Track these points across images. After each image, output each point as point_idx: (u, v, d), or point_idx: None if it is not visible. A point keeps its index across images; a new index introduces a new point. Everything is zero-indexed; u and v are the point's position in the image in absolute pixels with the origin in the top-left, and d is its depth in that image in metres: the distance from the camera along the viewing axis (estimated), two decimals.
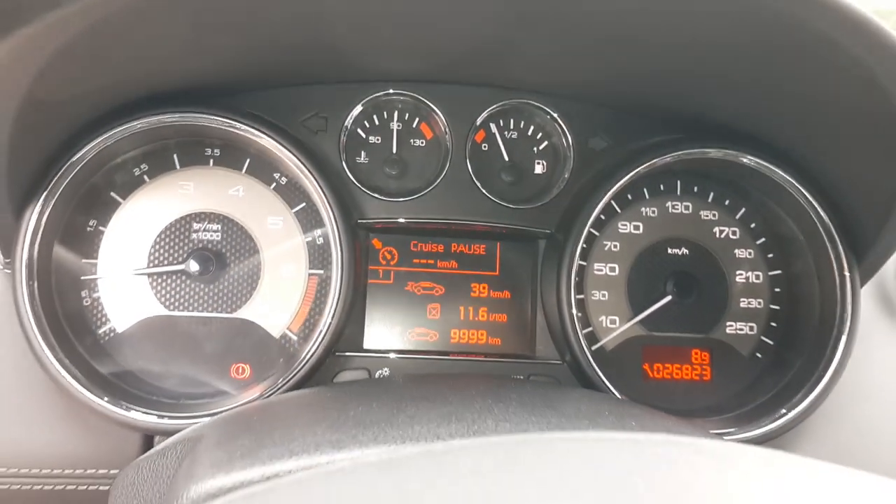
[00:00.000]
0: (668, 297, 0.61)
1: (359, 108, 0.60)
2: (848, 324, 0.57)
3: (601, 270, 0.62)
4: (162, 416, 0.53)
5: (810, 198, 0.57)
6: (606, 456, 0.28)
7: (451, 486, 0.25)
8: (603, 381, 0.57)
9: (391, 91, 0.60)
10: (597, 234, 0.62)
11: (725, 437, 0.53)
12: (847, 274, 0.57)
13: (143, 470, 0.40)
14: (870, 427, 0.60)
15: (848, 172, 0.54)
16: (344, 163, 0.60)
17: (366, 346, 0.60)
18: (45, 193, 0.53)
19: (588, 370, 0.57)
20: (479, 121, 0.60)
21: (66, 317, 0.55)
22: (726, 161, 0.58)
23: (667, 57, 0.48)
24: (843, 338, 0.57)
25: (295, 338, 0.58)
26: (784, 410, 0.56)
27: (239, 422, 0.43)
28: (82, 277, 0.57)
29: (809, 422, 0.58)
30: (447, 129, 0.60)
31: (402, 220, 0.60)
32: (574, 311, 0.57)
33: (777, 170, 0.57)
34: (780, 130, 0.55)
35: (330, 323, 0.56)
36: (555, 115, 0.61)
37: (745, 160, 0.58)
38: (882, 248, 0.57)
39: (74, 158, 0.53)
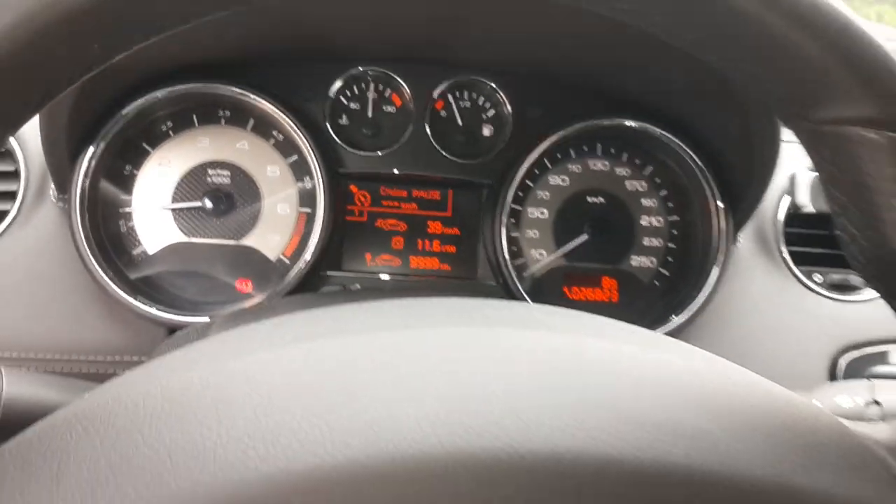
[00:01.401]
0: (585, 236, 0.76)
1: (340, 83, 0.74)
2: (721, 258, 0.72)
3: (533, 214, 0.76)
4: (180, 314, 0.68)
5: (694, 156, 0.72)
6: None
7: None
8: (525, 298, 0.72)
9: (367, 68, 0.74)
10: (532, 185, 0.77)
11: None
12: (720, 218, 0.72)
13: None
14: (743, 339, 0.76)
15: (714, 129, 0.69)
16: (328, 124, 0.75)
17: (343, 267, 0.75)
18: (95, 143, 0.68)
19: (514, 289, 0.72)
20: (436, 93, 0.75)
21: (109, 239, 0.71)
22: (632, 128, 0.73)
23: (572, 51, 0.63)
24: (716, 269, 0.72)
25: (287, 261, 0.74)
26: (667, 322, 0.72)
27: (241, 316, 0.59)
28: (120, 210, 0.73)
29: (693, 333, 0.74)
30: (411, 99, 0.75)
31: (374, 171, 0.75)
32: (505, 243, 0.72)
33: (668, 134, 0.72)
34: (667, 100, 0.70)
35: (315, 249, 0.71)
36: (498, 88, 0.75)
37: (639, 126, 0.72)
38: (752, 196, 0.72)
39: (119, 115, 0.68)
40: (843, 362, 0.74)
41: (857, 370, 0.73)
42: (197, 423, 0.29)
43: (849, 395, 0.54)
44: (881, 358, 0.75)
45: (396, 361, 0.32)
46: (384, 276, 0.75)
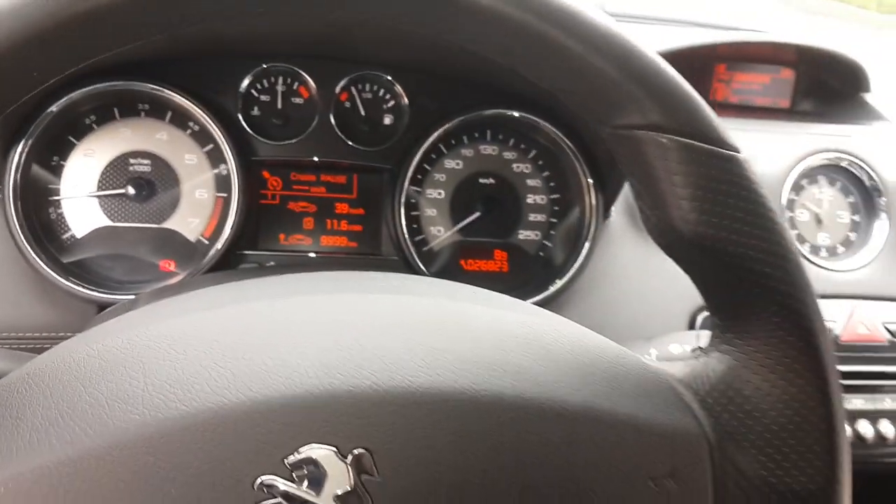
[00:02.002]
0: (478, 213, 0.85)
1: (250, 78, 0.81)
2: (593, 231, 0.83)
3: (431, 195, 0.85)
4: (109, 292, 0.75)
5: (567, 140, 0.82)
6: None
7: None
8: (424, 270, 0.81)
9: (274, 65, 0.82)
10: (429, 168, 0.85)
11: None
12: (591, 195, 0.83)
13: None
14: (615, 300, 0.86)
15: (576, 118, 0.79)
16: (240, 115, 0.82)
17: (258, 247, 0.83)
18: (24, 138, 0.74)
19: (413, 263, 0.81)
20: (338, 87, 0.83)
21: (41, 226, 0.76)
22: (515, 117, 0.83)
23: (449, 55, 0.72)
24: (588, 241, 0.83)
25: (206, 241, 0.81)
26: (549, 287, 0.82)
27: (163, 292, 0.66)
28: (50, 198, 0.78)
29: (571, 297, 0.84)
30: (316, 92, 0.83)
31: (284, 158, 0.83)
32: (404, 222, 0.81)
33: (544, 122, 0.82)
34: (539, 93, 0.79)
35: (231, 230, 0.79)
36: (395, 82, 0.84)
37: (520, 115, 0.82)
38: (616, 175, 0.82)
39: (46, 112, 0.74)
40: (699, 319, 0.85)
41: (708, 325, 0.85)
42: (126, 375, 0.37)
43: (679, 343, 0.65)
44: None
45: (289, 321, 0.41)
46: (295, 255, 0.83)
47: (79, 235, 0.79)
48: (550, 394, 0.40)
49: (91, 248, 0.79)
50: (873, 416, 0.83)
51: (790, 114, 1.10)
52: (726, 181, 0.43)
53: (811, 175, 0.93)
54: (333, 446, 0.36)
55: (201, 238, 0.81)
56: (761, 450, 0.44)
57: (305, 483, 0.35)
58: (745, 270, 0.43)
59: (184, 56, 0.79)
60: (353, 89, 0.84)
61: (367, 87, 0.85)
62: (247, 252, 0.81)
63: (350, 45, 0.78)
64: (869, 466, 0.84)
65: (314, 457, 0.36)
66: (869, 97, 1.07)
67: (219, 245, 0.78)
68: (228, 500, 0.35)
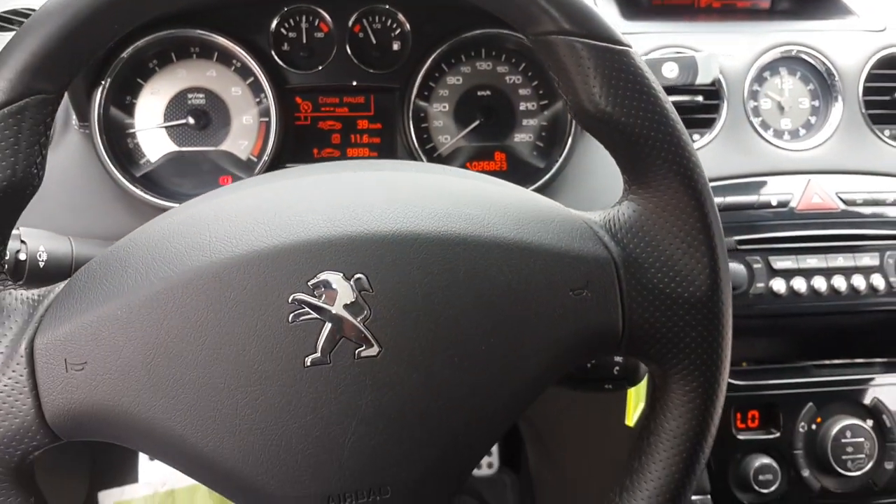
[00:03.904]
0: (478, 121, 1.00)
1: (278, 18, 0.97)
2: (573, 131, 0.97)
3: (437, 108, 1.00)
4: (179, 203, 0.94)
5: None
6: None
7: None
8: None
9: (295, 6, 0.98)
10: (434, 85, 1.01)
11: None
12: None
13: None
14: (592, 188, 1.01)
15: None
16: (273, 52, 0.98)
17: (296, 160, 1.00)
18: (103, 80, 0.92)
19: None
20: (351, 21, 0.98)
21: (122, 153, 0.95)
22: (504, 34, 0.97)
23: None
24: (570, 139, 0.97)
25: (255, 159, 0.98)
26: (539, 179, 0.97)
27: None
28: (127, 131, 0.97)
29: (558, 186, 0.99)
30: (332, 26, 0.98)
31: (312, 84, 0.99)
32: (413, 133, 0.97)
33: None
34: None
35: (272, 147, 0.96)
36: (398, 12, 0.99)
37: (508, 33, 0.96)
38: None
39: (119, 59, 0.92)
40: None
41: None
42: (197, 233, 0.55)
43: None
44: None
45: (304, 191, 0.58)
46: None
47: (153, 160, 0.97)
48: (493, 233, 0.57)
49: (163, 169, 0.97)
50: (827, 273, 0.97)
51: (770, 13, 1.21)
52: (621, 70, 0.58)
53: (773, 67, 1.06)
54: (341, 272, 0.53)
55: (251, 156, 0.98)
56: (659, 269, 0.59)
57: (323, 297, 0.53)
58: (640, 137, 0.58)
59: (224, 5, 0.95)
60: (364, 22, 0.99)
61: (377, 18, 1.00)
62: (287, 165, 0.99)
63: None
64: (825, 317, 0.98)
65: (328, 279, 0.53)
66: None
67: (264, 160, 0.96)
68: (274, 312, 0.53)
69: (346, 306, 0.53)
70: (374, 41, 1.00)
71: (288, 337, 0.52)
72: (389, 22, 1.00)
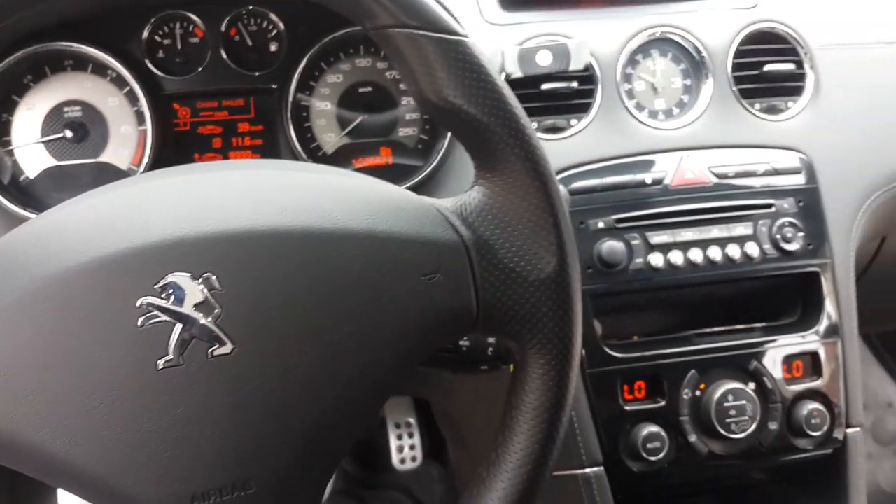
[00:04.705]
0: (361, 118, 1.02)
1: (150, 27, 0.97)
2: None
3: (319, 107, 1.01)
4: None
5: None
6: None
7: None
8: None
9: (166, 13, 0.97)
10: (314, 84, 1.01)
11: None
12: None
13: None
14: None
15: None
16: (147, 60, 0.97)
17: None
18: None
19: None
20: (223, 26, 0.98)
21: (1, 171, 0.94)
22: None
23: None
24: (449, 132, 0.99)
25: (136, 168, 0.98)
26: (421, 172, 0.99)
27: None
28: (6, 148, 0.95)
29: (441, 176, 1.01)
30: (206, 31, 0.98)
31: (189, 90, 0.99)
32: (293, 133, 0.98)
33: None
34: None
35: (150, 155, 0.95)
36: (271, 13, 0.99)
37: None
38: None
39: None
40: None
41: (565, 186, 1.02)
42: (43, 243, 0.55)
43: None
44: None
45: (153, 193, 0.58)
46: None
47: (32, 176, 0.96)
48: (343, 224, 0.58)
49: (43, 184, 0.96)
50: (703, 245, 1.01)
51: None
52: (458, 59, 0.60)
53: (644, 50, 1.09)
54: (188, 272, 0.54)
55: (131, 166, 0.98)
56: (508, 250, 0.62)
57: (172, 299, 0.54)
58: (482, 125, 0.61)
59: (92, 16, 0.94)
60: (239, 24, 1.00)
61: (252, 21, 1.00)
62: None
63: None
64: (705, 287, 1.02)
65: (175, 280, 0.54)
66: None
67: (141, 169, 0.95)
68: (122, 317, 0.53)
69: (195, 306, 0.54)
70: (250, 43, 1.00)
71: (138, 341, 0.53)
72: (264, 23, 1.00)
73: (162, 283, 0.54)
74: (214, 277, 0.55)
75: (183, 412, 0.54)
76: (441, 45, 0.59)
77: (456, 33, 0.60)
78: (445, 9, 0.61)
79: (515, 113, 0.61)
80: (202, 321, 0.54)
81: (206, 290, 0.54)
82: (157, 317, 0.53)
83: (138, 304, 0.53)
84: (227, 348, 0.54)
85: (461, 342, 0.79)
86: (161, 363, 0.53)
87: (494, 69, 0.61)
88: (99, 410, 0.53)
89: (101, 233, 0.55)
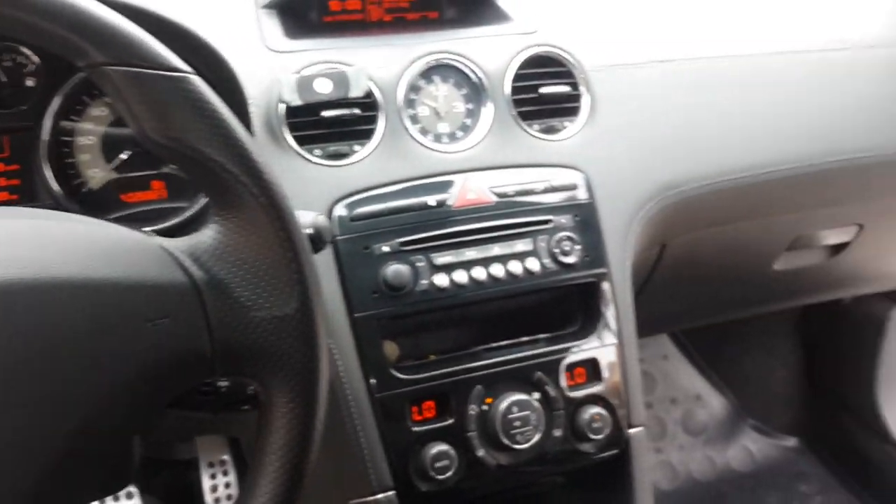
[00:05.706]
0: (128, 153, 0.98)
1: None
2: None
3: (82, 142, 0.96)
4: None
5: None
6: None
7: None
8: (78, 210, 0.94)
9: None
10: (77, 119, 0.96)
11: None
12: None
13: None
14: None
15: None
16: None
17: None
18: None
19: (65, 204, 0.93)
20: None
21: None
22: None
23: None
24: None
25: None
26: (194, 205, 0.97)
27: None
28: None
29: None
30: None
31: None
32: (49, 172, 0.92)
33: None
34: None
35: None
36: (22, 48, 0.94)
37: None
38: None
39: None
40: (337, 207, 1.01)
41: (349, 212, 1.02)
42: None
43: None
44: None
45: None
46: None
47: None
48: (53, 273, 0.55)
49: None
50: (485, 262, 1.03)
51: (440, 23, 1.27)
52: (181, 97, 0.58)
53: (427, 76, 1.11)
54: None
55: None
56: (246, 287, 0.60)
57: None
58: (211, 161, 0.59)
59: None
60: None
61: (7, 57, 0.94)
62: None
63: None
64: (490, 303, 1.05)
65: None
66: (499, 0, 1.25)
67: None
68: None
69: None
70: (4, 79, 0.94)
71: None
72: (17, 58, 0.95)
73: None
74: None
75: None
76: (162, 82, 0.58)
77: (177, 70, 0.59)
78: (163, 45, 0.59)
79: (247, 149, 0.60)
80: None
81: None
82: None
83: None
84: None
85: (220, 383, 0.77)
86: None
87: (221, 105, 0.60)
88: None
89: None
